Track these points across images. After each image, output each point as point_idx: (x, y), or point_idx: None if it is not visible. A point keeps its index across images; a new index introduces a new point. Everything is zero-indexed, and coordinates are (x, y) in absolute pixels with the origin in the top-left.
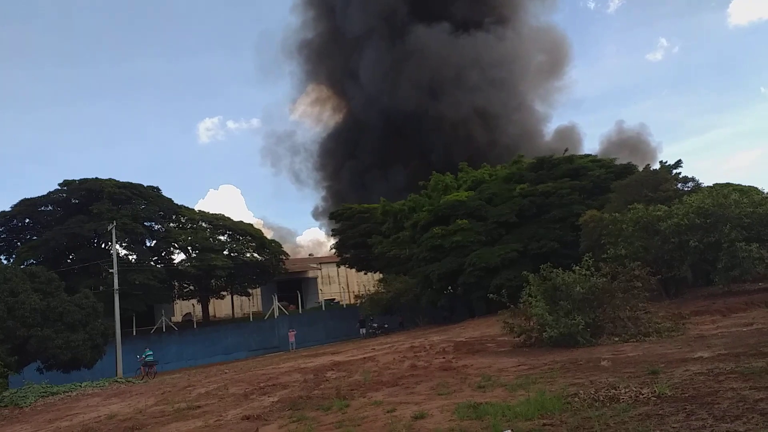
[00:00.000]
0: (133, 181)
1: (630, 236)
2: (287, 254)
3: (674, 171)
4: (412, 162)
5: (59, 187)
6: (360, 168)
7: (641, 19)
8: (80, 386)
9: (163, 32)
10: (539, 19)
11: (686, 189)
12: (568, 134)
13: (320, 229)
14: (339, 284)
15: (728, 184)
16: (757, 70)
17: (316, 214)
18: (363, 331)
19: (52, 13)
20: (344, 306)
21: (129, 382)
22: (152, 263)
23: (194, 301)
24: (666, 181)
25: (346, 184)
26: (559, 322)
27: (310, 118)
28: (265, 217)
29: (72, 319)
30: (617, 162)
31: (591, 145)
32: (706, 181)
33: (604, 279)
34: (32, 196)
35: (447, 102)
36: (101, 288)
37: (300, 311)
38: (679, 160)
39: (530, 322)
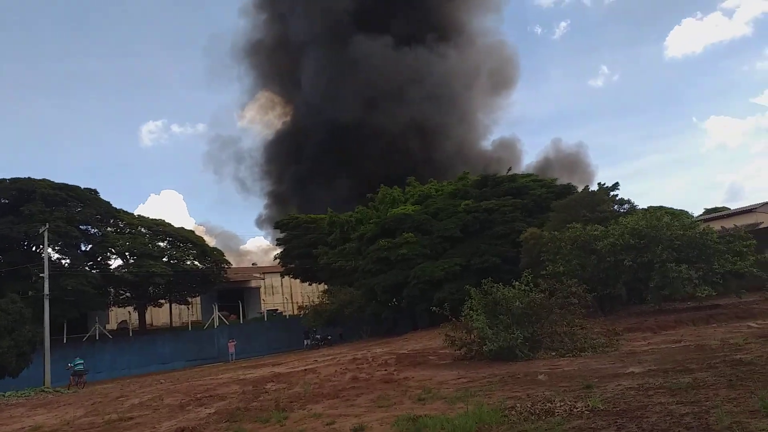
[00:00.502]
0: (70, 183)
1: (568, 254)
2: (229, 263)
3: (611, 193)
4: (353, 172)
5: None
6: (303, 175)
7: (584, 46)
8: (3, 396)
9: (109, 30)
10: (485, 39)
11: (622, 210)
12: (509, 147)
13: (264, 238)
14: (282, 295)
15: (661, 208)
16: (690, 100)
17: (260, 222)
18: (307, 342)
19: None
20: (287, 317)
21: (57, 392)
22: (87, 268)
23: (131, 308)
24: (603, 203)
25: (289, 192)
26: (498, 335)
27: (258, 124)
28: (207, 221)
29: None
30: (558, 182)
31: (531, 160)
32: (641, 203)
33: (543, 295)
34: None
35: (386, 114)
36: (30, 293)
37: (241, 321)
38: (616, 183)
39: (471, 335)
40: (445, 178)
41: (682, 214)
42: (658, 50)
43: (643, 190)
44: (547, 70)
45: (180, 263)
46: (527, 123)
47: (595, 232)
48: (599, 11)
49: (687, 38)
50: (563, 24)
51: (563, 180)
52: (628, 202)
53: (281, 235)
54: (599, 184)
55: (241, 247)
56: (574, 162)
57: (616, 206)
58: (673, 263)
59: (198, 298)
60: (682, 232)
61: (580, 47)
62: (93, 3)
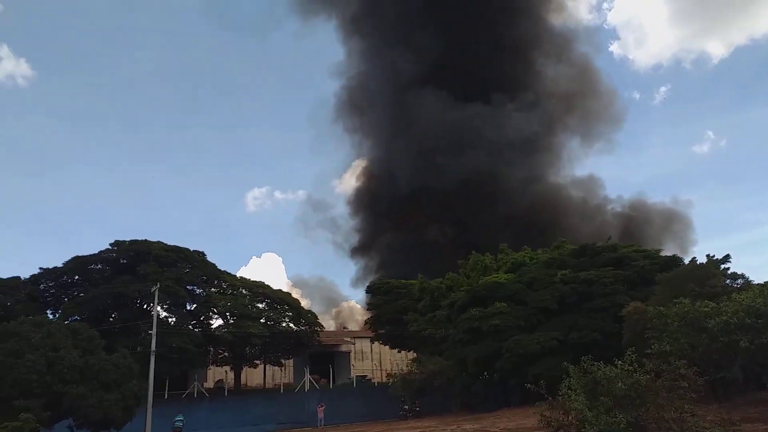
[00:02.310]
0: (180, 245)
1: (675, 332)
2: (322, 326)
3: (722, 266)
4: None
5: (110, 247)
6: (394, 241)
7: (687, 111)
8: None
9: (219, 103)
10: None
11: (735, 285)
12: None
13: (357, 302)
14: (372, 360)
15: None
16: None
17: (355, 283)
18: (402, 412)
19: (115, 77)
20: (376, 384)
21: None
22: (190, 327)
23: (227, 367)
24: (713, 276)
25: (381, 256)
26: (599, 419)
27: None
28: (299, 275)
29: (107, 378)
30: (662, 253)
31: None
32: (757, 278)
33: (648, 376)
34: (84, 254)
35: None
36: (138, 349)
37: (331, 386)
38: (728, 255)
39: (568, 416)
40: (539, 247)
41: None
42: None
43: (758, 264)
44: (647, 137)
45: (276, 324)
46: (625, 189)
47: (706, 309)
48: (702, 75)
49: None
50: (663, 89)
51: (658, 240)
52: (742, 276)
53: (373, 300)
54: (708, 256)
55: (335, 308)
56: (670, 218)
57: (728, 281)
58: None
59: (291, 361)
60: None
61: (683, 113)
62: (202, 77)
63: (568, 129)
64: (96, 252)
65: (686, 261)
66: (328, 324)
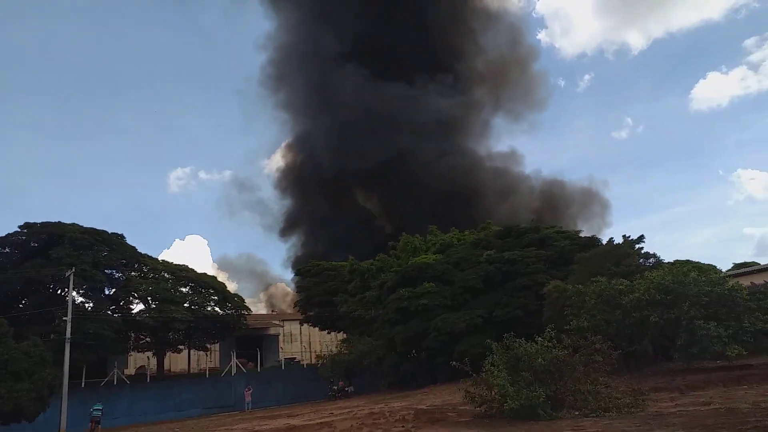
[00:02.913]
0: (98, 227)
1: (592, 309)
2: (249, 309)
3: (637, 246)
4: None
5: (19, 230)
6: (321, 220)
7: (608, 99)
8: None
9: (141, 79)
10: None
11: (648, 264)
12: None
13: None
14: (301, 343)
15: (688, 262)
16: (715, 152)
17: (286, 263)
18: (331, 392)
19: (26, 49)
20: (305, 366)
21: None
22: (109, 312)
23: (150, 353)
24: (628, 256)
25: (310, 236)
26: (520, 393)
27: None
28: (224, 255)
29: (17, 367)
30: (582, 234)
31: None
32: (667, 257)
33: (566, 351)
34: None
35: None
36: (52, 336)
37: (259, 369)
38: (642, 236)
39: (492, 392)
40: (464, 227)
41: (710, 269)
42: (684, 103)
43: (668, 243)
44: (570, 122)
45: (201, 309)
46: (548, 172)
47: (621, 287)
48: (623, 65)
49: (712, 91)
50: (587, 77)
51: (576, 217)
52: (654, 255)
53: (302, 282)
54: (624, 236)
55: (265, 291)
56: (586, 196)
57: (641, 260)
58: (701, 320)
59: (217, 345)
60: (710, 288)
61: (604, 100)
62: (126, 52)
63: (492, 110)
64: (3, 235)
65: (604, 241)
66: (258, 307)
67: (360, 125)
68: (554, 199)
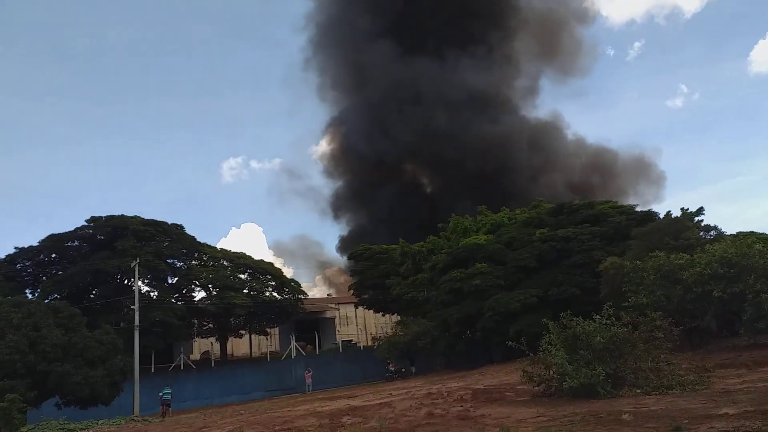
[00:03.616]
0: (158, 219)
1: (651, 285)
2: (306, 293)
3: (696, 219)
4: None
5: (86, 224)
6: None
7: (661, 66)
8: (97, 423)
9: (190, 72)
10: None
11: (708, 237)
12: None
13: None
14: (357, 325)
15: (752, 233)
16: None
17: (338, 247)
18: (389, 373)
19: (82, 52)
20: (361, 348)
21: (145, 420)
22: (173, 300)
23: (213, 339)
24: (688, 229)
25: (364, 223)
26: (579, 371)
27: (334, 162)
28: (279, 240)
29: (92, 355)
30: (637, 208)
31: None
32: (728, 229)
33: (625, 329)
34: (60, 231)
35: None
36: (122, 324)
37: (317, 352)
38: (701, 208)
39: (550, 371)
40: (515, 206)
41: None
42: (742, 66)
43: (729, 215)
44: (620, 93)
45: (259, 294)
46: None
47: (680, 261)
48: (675, 29)
49: None
50: (637, 44)
51: (627, 190)
52: (715, 228)
53: (355, 266)
54: (682, 209)
55: (319, 275)
56: (640, 165)
57: (701, 233)
58: (767, 294)
59: (276, 329)
60: None
61: (656, 67)
62: (177, 47)
63: (534, 77)
64: (72, 229)
65: (661, 215)
66: (314, 292)
67: (392, 104)
68: (604, 168)
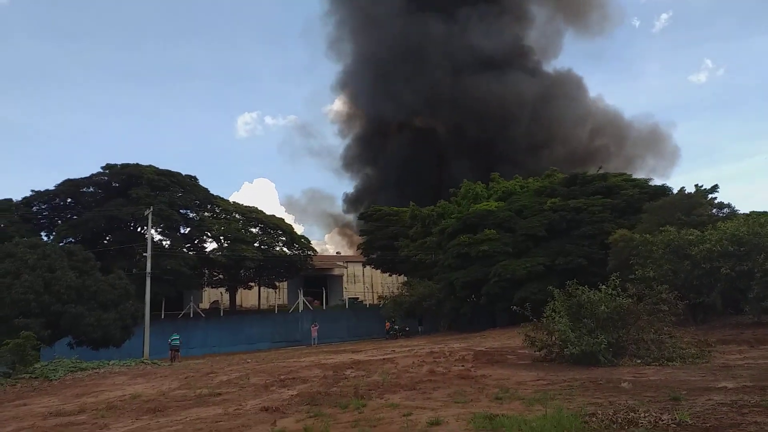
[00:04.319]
0: (172, 169)
1: (660, 259)
2: (315, 250)
3: (710, 196)
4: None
5: (101, 170)
6: (387, 166)
7: (687, 40)
8: (108, 364)
9: (211, 22)
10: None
11: (721, 215)
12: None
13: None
14: (364, 284)
15: (765, 213)
16: None
17: (347, 207)
18: (397, 328)
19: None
20: (367, 306)
21: (154, 364)
22: (185, 250)
23: (222, 289)
24: (700, 206)
25: (375, 182)
26: (581, 339)
27: (346, 120)
28: (291, 196)
29: (105, 298)
30: (651, 183)
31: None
32: (743, 208)
33: (630, 300)
34: (75, 177)
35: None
36: (134, 270)
37: (324, 307)
38: (716, 185)
39: (552, 337)
40: (518, 171)
41: None
42: None
43: (746, 194)
44: (643, 65)
45: (270, 249)
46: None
47: (691, 237)
48: (704, 1)
49: None
50: (664, 16)
51: (641, 160)
52: (728, 206)
53: (365, 226)
54: (696, 185)
55: (330, 232)
56: (654, 138)
57: (714, 210)
58: None
59: (285, 283)
60: None
61: (683, 40)
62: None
63: (555, 37)
64: (88, 175)
65: (675, 190)
66: (324, 249)
67: (398, 63)
68: (615, 134)
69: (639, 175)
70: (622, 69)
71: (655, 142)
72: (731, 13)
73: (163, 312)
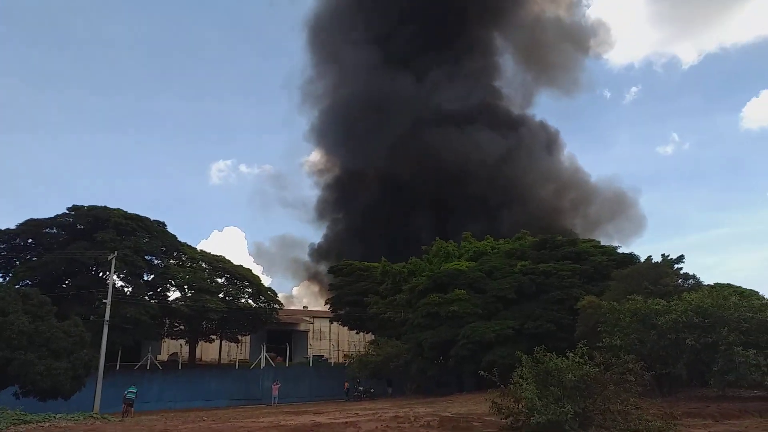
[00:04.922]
0: (141, 214)
1: (627, 327)
2: (281, 303)
3: (676, 266)
4: (405, 221)
5: (67, 212)
6: (356, 222)
7: (655, 112)
8: (54, 417)
9: (189, 72)
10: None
11: (686, 285)
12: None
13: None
14: (330, 341)
15: (729, 285)
16: (765, 174)
17: (315, 257)
18: (356, 392)
19: (79, 41)
20: (332, 364)
21: (104, 419)
22: (147, 298)
23: (183, 341)
24: (667, 276)
25: (343, 237)
26: (548, 408)
27: (319, 170)
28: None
29: (57, 345)
30: (619, 250)
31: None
32: (707, 279)
33: (597, 369)
34: (39, 217)
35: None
36: (92, 317)
37: (287, 364)
38: (681, 256)
39: (519, 404)
40: (501, 234)
41: (752, 294)
42: (734, 121)
43: (709, 265)
44: (613, 135)
45: (235, 300)
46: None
47: (657, 307)
48: (672, 78)
49: (764, 110)
50: (634, 89)
51: (605, 225)
52: (693, 277)
53: (334, 281)
54: (663, 255)
55: (296, 287)
56: (620, 203)
57: (680, 280)
58: (740, 347)
59: (248, 337)
60: (750, 315)
61: (651, 113)
62: (177, 46)
63: (527, 103)
64: (52, 216)
65: (641, 258)
66: (291, 301)
67: (368, 117)
68: (584, 198)
69: (603, 239)
70: (593, 138)
71: (621, 207)
72: (696, 91)
73: (118, 362)
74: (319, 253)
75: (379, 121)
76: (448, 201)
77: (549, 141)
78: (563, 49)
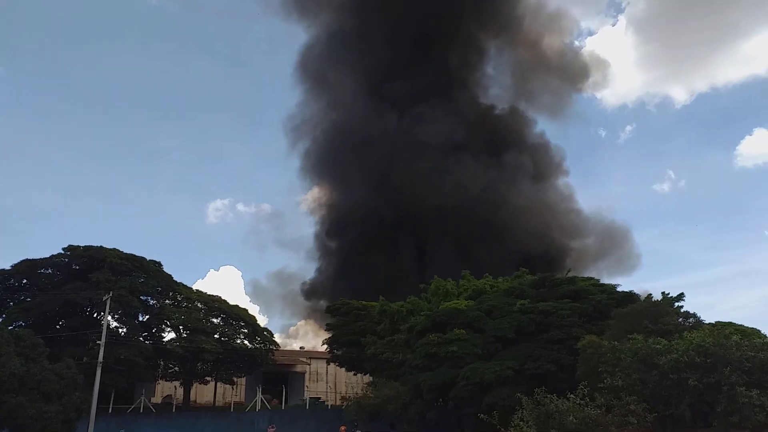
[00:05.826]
0: (137, 253)
1: (628, 367)
2: (278, 344)
3: (676, 304)
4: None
5: (62, 252)
6: (350, 260)
7: (651, 150)
8: None
9: (188, 110)
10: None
11: (687, 324)
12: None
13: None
14: (327, 382)
15: (730, 324)
16: (762, 211)
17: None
18: None
19: (77, 78)
20: (329, 406)
21: None
22: (141, 339)
23: (177, 383)
24: (667, 314)
25: (336, 277)
26: None
27: (312, 209)
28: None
29: (49, 388)
30: (619, 288)
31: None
32: (707, 318)
33: (599, 410)
34: (35, 257)
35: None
36: (85, 359)
37: (283, 406)
38: (682, 294)
39: None
40: (498, 273)
41: (754, 333)
42: (729, 159)
43: (709, 304)
44: (608, 173)
45: (231, 341)
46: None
47: (658, 346)
48: (666, 118)
49: (759, 148)
50: (629, 128)
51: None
52: (694, 315)
53: (331, 321)
54: (663, 293)
55: (293, 327)
56: (615, 240)
57: (681, 319)
58: (742, 387)
59: (243, 379)
60: (753, 354)
61: (646, 151)
62: (175, 85)
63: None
64: (48, 256)
65: (642, 297)
66: (287, 342)
67: (357, 152)
68: (578, 233)
69: (595, 274)
70: (588, 177)
71: (617, 244)
72: (689, 130)
73: (111, 405)
74: (311, 290)
75: (365, 156)
76: (428, 238)
77: (546, 164)
78: (558, 86)
